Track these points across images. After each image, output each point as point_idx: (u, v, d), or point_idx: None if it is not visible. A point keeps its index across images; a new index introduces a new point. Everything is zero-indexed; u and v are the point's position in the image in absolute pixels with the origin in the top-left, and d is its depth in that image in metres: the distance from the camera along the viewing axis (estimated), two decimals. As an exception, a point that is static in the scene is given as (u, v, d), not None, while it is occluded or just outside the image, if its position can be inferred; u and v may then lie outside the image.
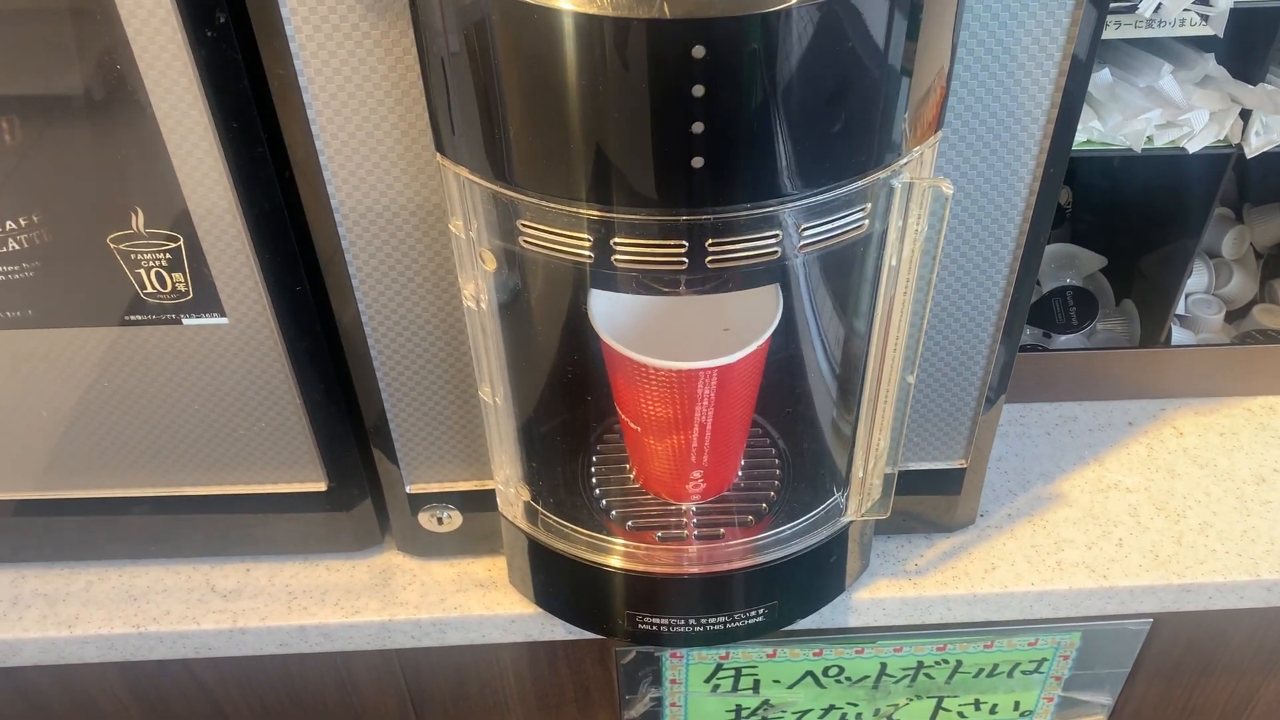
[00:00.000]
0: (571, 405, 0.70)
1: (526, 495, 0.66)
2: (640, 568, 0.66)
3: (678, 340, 0.64)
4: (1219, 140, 0.71)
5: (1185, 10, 0.65)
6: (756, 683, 0.83)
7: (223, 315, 0.60)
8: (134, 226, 0.56)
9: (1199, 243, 0.79)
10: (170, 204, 0.55)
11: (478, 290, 0.56)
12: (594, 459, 0.72)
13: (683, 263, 0.49)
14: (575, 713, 0.84)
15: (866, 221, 0.51)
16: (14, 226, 0.56)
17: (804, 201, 0.48)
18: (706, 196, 0.47)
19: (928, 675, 0.83)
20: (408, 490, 0.69)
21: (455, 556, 0.75)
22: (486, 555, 0.75)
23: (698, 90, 0.43)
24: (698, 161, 0.45)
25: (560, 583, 0.69)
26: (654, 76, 0.43)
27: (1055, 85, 0.53)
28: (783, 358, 0.66)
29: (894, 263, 0.54)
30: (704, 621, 0.68)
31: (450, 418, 0.66)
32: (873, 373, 0.60)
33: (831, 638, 0.78)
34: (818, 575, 0.69)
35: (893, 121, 0.47)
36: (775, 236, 0.49)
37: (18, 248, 0.57)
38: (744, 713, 0.85)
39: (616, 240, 0.49)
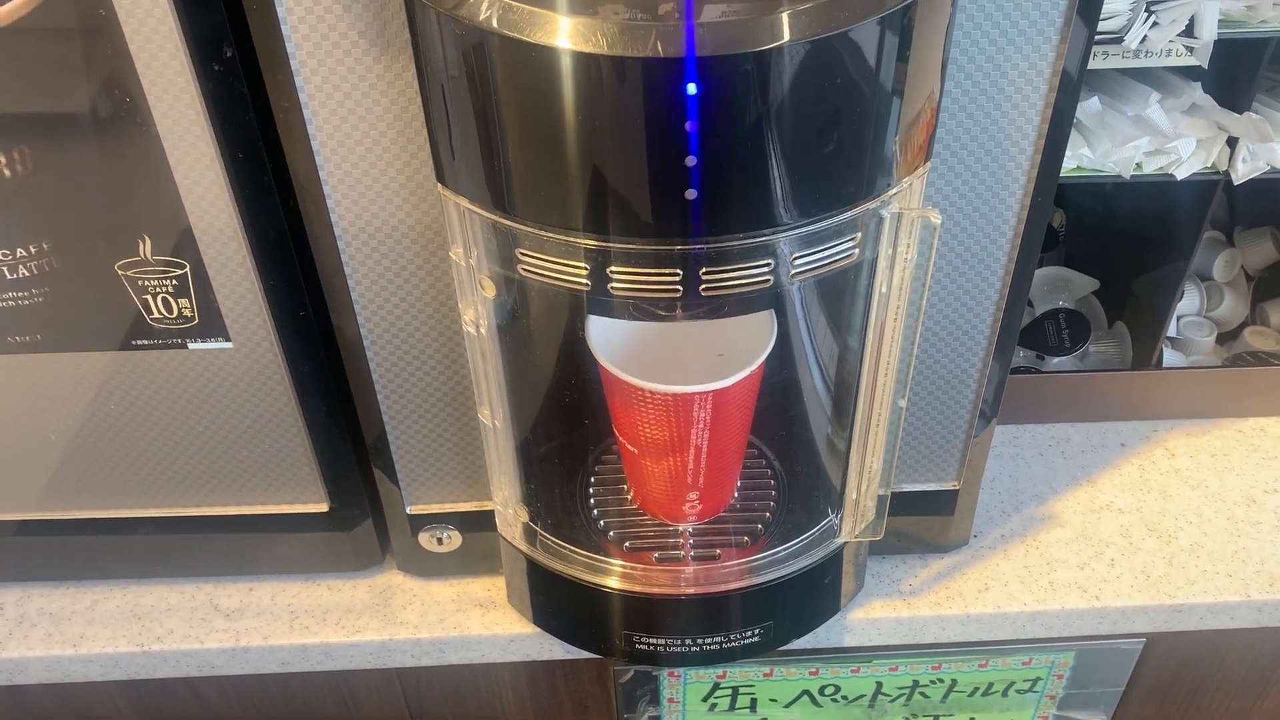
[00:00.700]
0: (569, 427, 0.71)
1: (525, 516, 0.67)
2: (637, 588, 0.67)
3: (674, 364, 0.65)
4: (1207, 167, 0.73)
5: (1171, 41, 0.66)
6: (753, 701, 0.83)
7: (228, 340, 0.61)
8: (142, 254, 0.57)
9: (1190, 266, 0.80)
10: (177, 232, 0.57)
11: (478, 316, 0.57)
12: (592, 480, 0.73)
13: (677, 291, 0.50)
14: (574, 731, 0.85)
15: (857, 250, 0.52)
16: (24, 254, 0.58)
17: (795, 231, 0.49)
18: (700, 227, 0.48)
19: (923, 694, 0.84)
20: (408, 511, 0.71)
21: (455, 576, 0.76)
22: (486, 575, 0.76)
23: (690, 125, 0.44)
24: (691, 194, 0.46)
25: (558, 603, 0.70)
26: (648, 113, 0.44)
27: (1042, 116, 0.55)
28: (777, 381, 0.67)
29: (884, 290, 0.55)
30: (700, 642, 0.68)
31: (450, 439, 0.67)
32: (865, 396, 0.61)
33: (827, 657, 0.79)
34: (813, 596, 0.70)
35: (881, 154, 0.49)
36: (768, 265, 0.50)
37: (28, 274, 0.58)
38: (741, 731, 0.86)
39: (613, 269, 0.50)
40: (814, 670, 0.81)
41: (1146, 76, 0.74)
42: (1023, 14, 0.51)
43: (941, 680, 0.83)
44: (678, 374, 0.60)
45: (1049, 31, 0.52)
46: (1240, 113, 0.72)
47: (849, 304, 0.60)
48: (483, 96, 0.46)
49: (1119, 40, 0.66)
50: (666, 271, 0.50)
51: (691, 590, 0.67)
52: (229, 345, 0.62)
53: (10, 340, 0.61)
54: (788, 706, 0.84)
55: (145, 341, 0.61)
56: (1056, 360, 0.89)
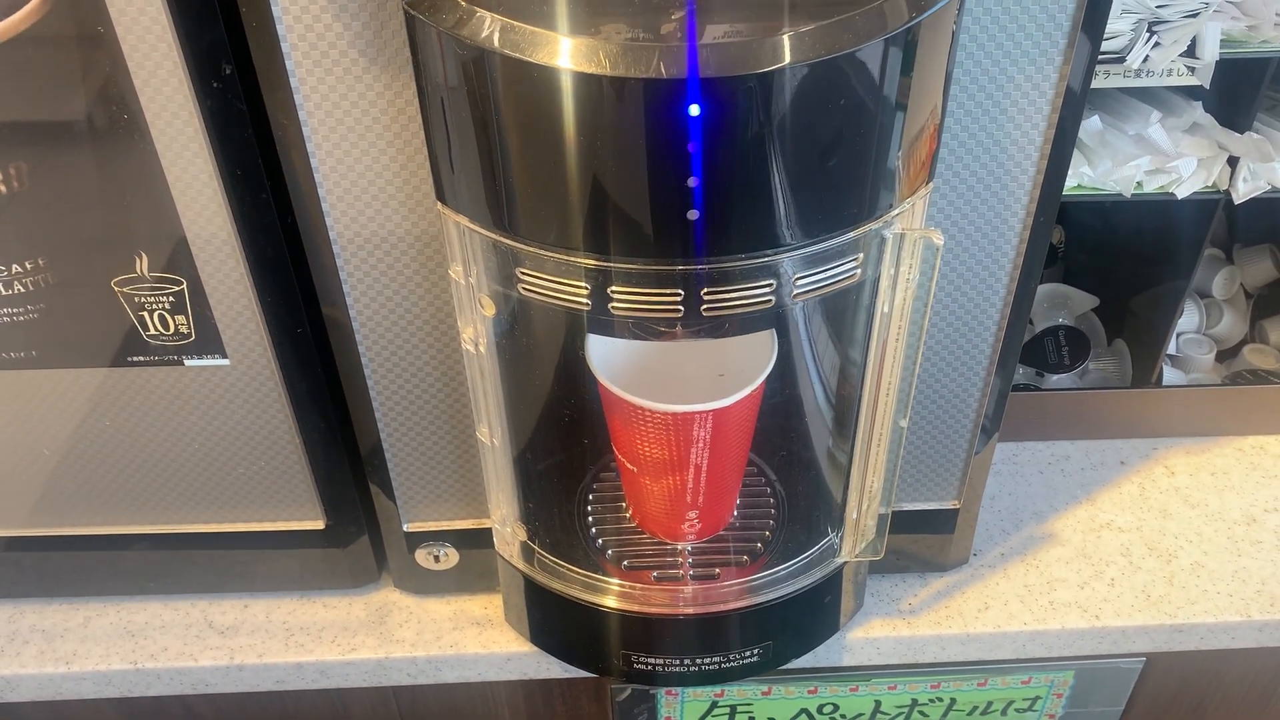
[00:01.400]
0: (568, 446, 0.71)
1: (523, 535, 0.67)
2: (636, 608, 0.66)
3: (674, 383, 0.65)
4: (1207, 186, 0.72)
5: (1172, 61, 0.66)
6: (751, 720, 0.83)
7: (224, 356, 0.61)
8: (138, 270, 0.57)
9: (1190, 284, 0.80)
10: (175, 248, 0.56)
11: (477, 334, 0.57)
12: (590, 499, 0.72)
13: (679, 311, 0.50)
14: (570, 749, 0.84)
15: (859, 271, 0.52)
16: (20, 269, 0.57)
17: (797, 252, 0.49)
18: (702, 247, 0.48)
19: (922, 713, 0.83)
20: (405, 528, 0.70)
21: (452, 594, 0.75)
22: (483, 593, 0.75)
23: (693, 147, 0.44)
24: (693, 214, 0.46)
25: (556, 621, 0.70)
26: (651, 133, 0.44)
27: (1045, 136, 0.54)
28: (778, 400, 0.66)
29: (886, 310, 0.55)
30: (699, 661, 0.68)
31: (448, 457, 0.66)
32: (866, 416, 0.60)
33: (826, 676, 0.79)
34: (812, 615, 0.70)
35: (884, 174, 0.48)
36: (769, 285, 0.50)
37: (23, 290, 0.58)
38: (739, 750, 0.85)
39: (614, 289, 0.50)
40: (813, 689, 0.80)
41: (1147, 95, 0.74)
42: (1026, 35, 0.51)
43: (940, 699, 0.82)
44: (677, 393, 0.60)
45: (1052, 52, 0.51)
46: (1241, 132, 0.72)
47: (850, 324, 0.59)
48: (484, 116, 0.46)
49: (1121, 60, 0.66)
50: (668, 291, 0.49)
51: (690, 610, 0.67)
52: (225, 362, 0.61)
53: (5, 356, 0.61)
54: (786, 725, 0.84)
55: (141, 358, 0.61)
56: (1056, 378, 0.89)
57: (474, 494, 0.68)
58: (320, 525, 0.70)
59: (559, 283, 0.50)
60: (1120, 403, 0.86)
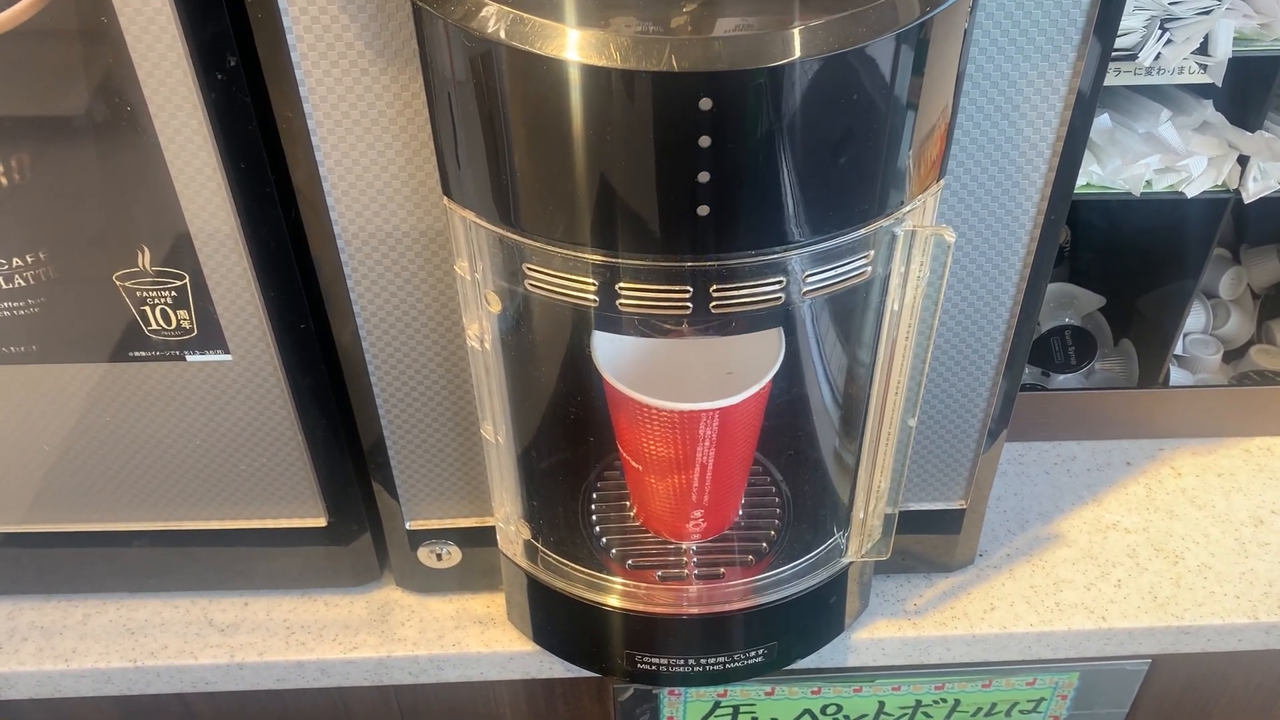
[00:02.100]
0: (573, 444, 0.70)
1: (527, 533, 0.66)
2: (640, 607, 0.66)
3: (680, 381, 0.64)
4: (1217, 185, 0.72)
5: (1184, 59, 0.65)
6: (754, 720, 0.82)
7: (226, 352, 0.60)
8: (140, 265, 0.57)
9: (1197, 284, 0.80)
10: (177, 243, 0.56)
11: (482, 330, 0.57)
12: (594, 497, 0.72)
13: (687, 308, 0.49)
14: (572, 749, 0.84)
15: (870, 268, 0.51)
16: (21, 263, 0.56)
17: (807, 249, 0.48)
18: (711, 243, 0.47)
19: (926, 714, 0.83)
20: (407, 526, 0.69)
21: (454, 592, 0.75)
22: (485, 591, 0.75)
23: (704, 141, 0.43)
24: (703, 210, 0.46)
25: (559, 621, 0.69)
26: (661, 127, 0.43)
27: (1057, 134, 0.54)
28: (785, 399, 0.66)
29: (896, 307, 0.55)
30: (703, 662, 0.67)
31: (451, 454, 0.66)
32: (874, 415, 0.60)
33: (830, 676, 0.78)
34: (817, 615, 0.69)
35: (895, 171, 0.48)
36: (779, 282, 0.49)
37: (24, 284, 0.57)
38: (741, 751, 0.85)
39: (621, 285, 0.49)
40: (816, 689, 0.80)
41: (1157, 94, 0.74)
42: (1039, 30, 0.50)
43: (944, 700, 0.82)
44: (683, 391, 0.60)
45: (1065, 49, 0.51)
46: (1252, 131, 0.71)
47: (859, 322, 0.59)
48: (491, 109, 0.45)
49: (1133, 58, 0.65)
50: (676, 288, 0.49)
51: (695, 610, 0.66)
52: (228, 357, 0.61)
53: (6, 351, 0.60)
54: (789, 726, 0.83)
55: (143, 353, 0.60)
56: (1062, 377, 0.89)
57: (477, 492, 0.68)
58: (322, 523, 0.70)
59: (566, 279, 0.50)
60: (1126, 403, 0.85)
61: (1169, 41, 0.64)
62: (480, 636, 0.72)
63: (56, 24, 0.48)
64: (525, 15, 0.43)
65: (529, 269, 0.50)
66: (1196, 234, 0.78)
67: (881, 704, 0.82)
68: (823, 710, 0.82)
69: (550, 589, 0.67)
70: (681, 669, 0.68)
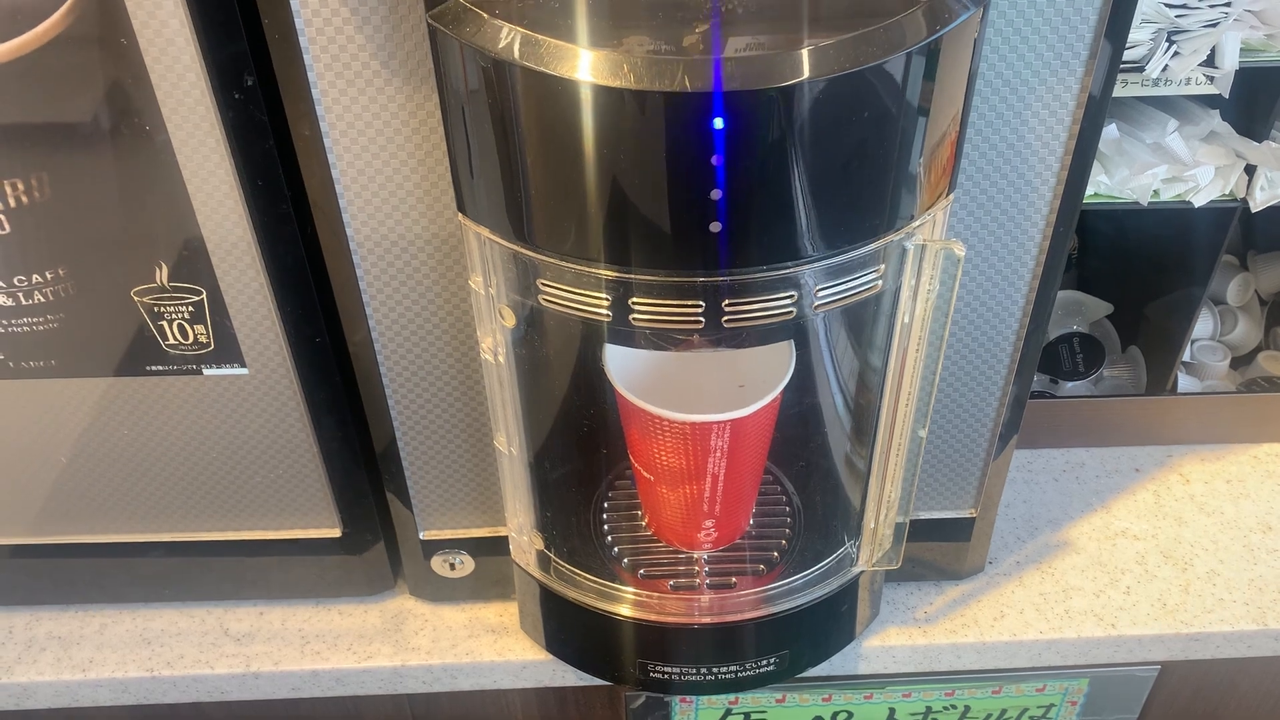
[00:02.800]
0: (585, 454, 0.71)
1: (540, 543, 0.67)
2: (652, 617, 0.66)
3: (692, 392, 0.65)
4: (1224, 195, 0.72)
5: (1192, 70, 0.66)
6: (765, 728, 0.83)
7: (243, 366, 0.61)
8: (158, 280, 0.57)
9: (1205, 291, 0.80)
10: (194, 258, 0.56)
11: (496, 344, 0.57)
12: (606, 507, 0.72)
13: (699, 322, 0.50)
14: (584, 756, 0.84)
15: (880, 282, 0.52)
16: (40, 279, 0.57)
17: (818, 264, 0.49)
18: (723, 259, 0.48)
19: (936, 721, 0.83)
20: (421, 536, 0.70)
21: (467, 601, 0.75)
22: (498, 600, 0.75)
23: (716, 160, 0.44)
24: (715, 226, 0.46)
25: (572, 630, 0.70)
26: (673, 147, 0.44)
27: (1065, 147, 0.54)
28: (796, 410, 0.66)
29: (906, 320, 0.55)
30: (715, 670, 0.68)
31: (465, 465, 0.66)
32: (885, 426, 0.60)
33: (841, 684, 0.79)
34: (828, 624, 0.70)
35: (904, 186, 0.48)
36: (791, 297, 0.50)
37: (44, 300, 0.58)
38: (753, 757, 0.85)
39: (634, 300, 0.50)
40: (827, 696, 0.80)
41: (1165, 104, 0.74)
42: (1048, 45, 0.51)
43: (955, 707, 0.82)
44: (695, 402, 0.60)
45: (1074, 64, 0.51)
46: (1259, 140, 0.71)
47: (870, 334, 0.59)
48: (505, 128, 0.46)
49: (1140, 69, 0.65)
50: (689, 303, 0.49)
51: (706, 619, 0.67)
52: (244, 371, 0.61)
53: (25, 365, 0.61)
54: (800, 732, 0.83)
55: (160, 367, 0.61)
56: (1071, 385, 0.89)
57: (490, 502, 0.68)
58: (336, 533, 0.70)
59: (579, 294, 0.50)
60: (1135, 410, 0.85)
61: (1176, 54, 0.65)
62: (493, 645, 0.73)
63: (76, 45, 0.49)
64: (539, 36, 0.44)
65: (543, 284, 0.51)
66: (1204, 243, 0.79)
67: (892, 711, 0.82)
68: (834, 717, 0.82)
69: (563, 598, 0.68)
70: (693, 678, 0.68)
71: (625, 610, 0.67)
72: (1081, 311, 0.92)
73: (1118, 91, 0.68)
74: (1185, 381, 0.90)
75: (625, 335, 0.53)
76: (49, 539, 0.71)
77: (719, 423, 0.60)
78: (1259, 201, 0.72)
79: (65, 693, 0.73)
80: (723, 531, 0.69)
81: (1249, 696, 0.83)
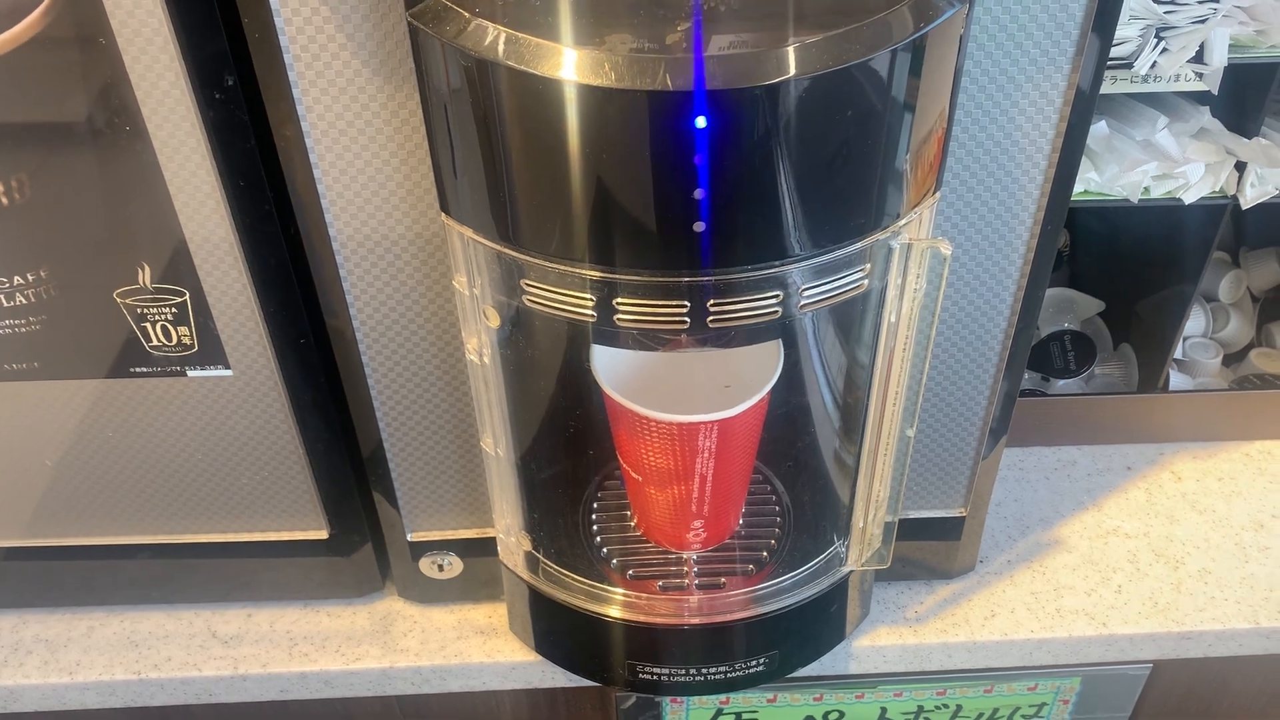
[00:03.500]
0: (573, 455, 0.70)
1: (528, 544, 0.67)
2: (641, 618, 0.66)
3: (680, 392, 0.64)
4: (1214, 191, 0.72)
5: (1180, 67, 0.65)
6: (757, 728, 0.83)
7: (227, 367, 0.61)
8: (141, 281, 0.57)
9: (1196, 289, 0.80)
10: (177, 259, 0.56)
11: (481, 345, 0.57)
12: (595, 507, 0.72)
13: (684, 322, 0.50)
14: (575, 757, 0.84)
15: (866, 281, 0.51)
16: (22, 281, 0.57)
17: (804, 263, 0.49)
18: (707, 259, 0.47)
19: (928, 720, 0.83)
20: (409, 538, 0.70)
21: (456, 603, 0.75)
22: (487, 602, 0.75)
23: (699, 159, 0.44)
24: (699, 226, 0.46)
25: (561, 631, 0.70)
26: (656, 146, 0.43)
27: (1053, 145, 0.54)
28: (784, 409, 0.66)
29: (893, 319, 0.55)
30: (704, 671, 0.68)
31: (452, 467, 0.66)
32: (873, 425, 0.60)
33: (832, 684, 0.78)
34: (818, 624, 0.70)
35: (890, 185, 0.48)
36: (776, 296, 0.49)
37: (25, 302, 0.58)
38: (744, 757, 0.85)
39: (619, 300, 0.49)
40: (818, 696, 0.80)
41: (1154, 100, 0.74)
42: (1034, 42, 0.51)
43: (946, 706, 0.82)
44: (683, 402, 0.60)
45: (1060, 60, 0.51)
46: (1249, 137, 0.71)
47: (857, 333, 0.59)
48: (487, 127, 0.46)
49: (1129, 66, 0.65)
50: (673, 303, 0.49)
51: (695, 619, 0.66)
52: (229, 373, 0.61)
53: (8, 368, 0.61)
54: (791, 732, 0.83)
55: (144, 369, 0.61)
56: (1062, 383, 0.89)
57: (478, 503, 0.68)
58: (324, 535, 0.70)
59: (564, 294, 0.50)
60: (1126, 408, 0.85)
61: (1164, 50, 0.64)
62: (482, 647, 0.73)
63: (55, 45, 0.49)
64: (520, 34, 0.43)
65: (527, 284, 0.51)
66: (1195, 240, 0.78)
67: (884, 710, 0.82)
68: (825, 717, 0.82)
69: (551, 600, 0.67)
70: (683, 678, 0.68)
71: (614, 611, 0.66)
72: (1073, 309, 0.92)
73: (1107, 88, 0.68)
74: (1177, 379, 0.90)
75: (611, 336, 0.52)
76: (35, 542, 0.71)
77: (706, 423, 0.59)
78: (1249, 198, 0.72)
79: (52, 696, 0.73)
80: (712, 532, 0.68)
81: (1242, 695, 0.83)
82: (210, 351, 0.60)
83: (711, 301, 0.49)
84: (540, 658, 0.72)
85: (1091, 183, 0.72)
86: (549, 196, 0.47)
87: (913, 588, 0.76)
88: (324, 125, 0.51)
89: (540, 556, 0.67)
